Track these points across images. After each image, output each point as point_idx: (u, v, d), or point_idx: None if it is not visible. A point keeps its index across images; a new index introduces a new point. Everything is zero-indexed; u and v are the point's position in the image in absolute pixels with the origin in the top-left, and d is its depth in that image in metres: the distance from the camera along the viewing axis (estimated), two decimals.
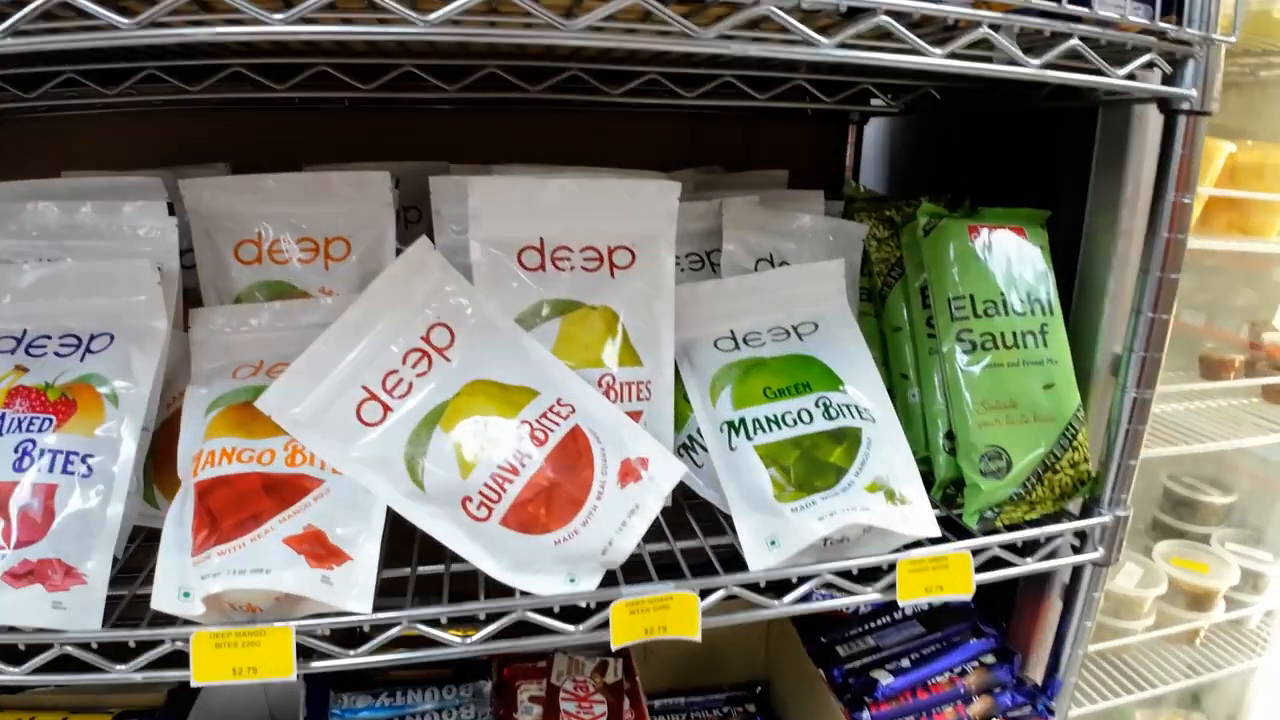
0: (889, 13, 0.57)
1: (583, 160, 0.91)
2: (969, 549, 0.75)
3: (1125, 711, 1.26)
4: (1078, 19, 0.62)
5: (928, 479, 0.81)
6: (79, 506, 0.61)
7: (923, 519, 0.72)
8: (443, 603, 0.66)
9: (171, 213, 0.70)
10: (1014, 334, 0.81)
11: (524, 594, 0.66)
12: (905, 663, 0.97)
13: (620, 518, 0.66)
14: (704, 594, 0.69)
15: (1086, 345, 0.88)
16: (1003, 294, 0.82)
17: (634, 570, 0.69)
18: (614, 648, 0.66)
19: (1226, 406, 1.31)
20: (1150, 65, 0.67)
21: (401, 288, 0.68)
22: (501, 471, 0.64)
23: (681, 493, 0.78)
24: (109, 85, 0.84)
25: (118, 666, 0.61)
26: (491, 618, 0.66)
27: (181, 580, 0.59)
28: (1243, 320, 1.40)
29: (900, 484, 0.72)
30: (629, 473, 0.68)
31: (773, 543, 0.69)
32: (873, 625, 1.05)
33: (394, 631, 0.64)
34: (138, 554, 0.70)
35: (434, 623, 0.65)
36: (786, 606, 0.72)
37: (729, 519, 0.73)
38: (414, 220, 0.92)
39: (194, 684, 0.59)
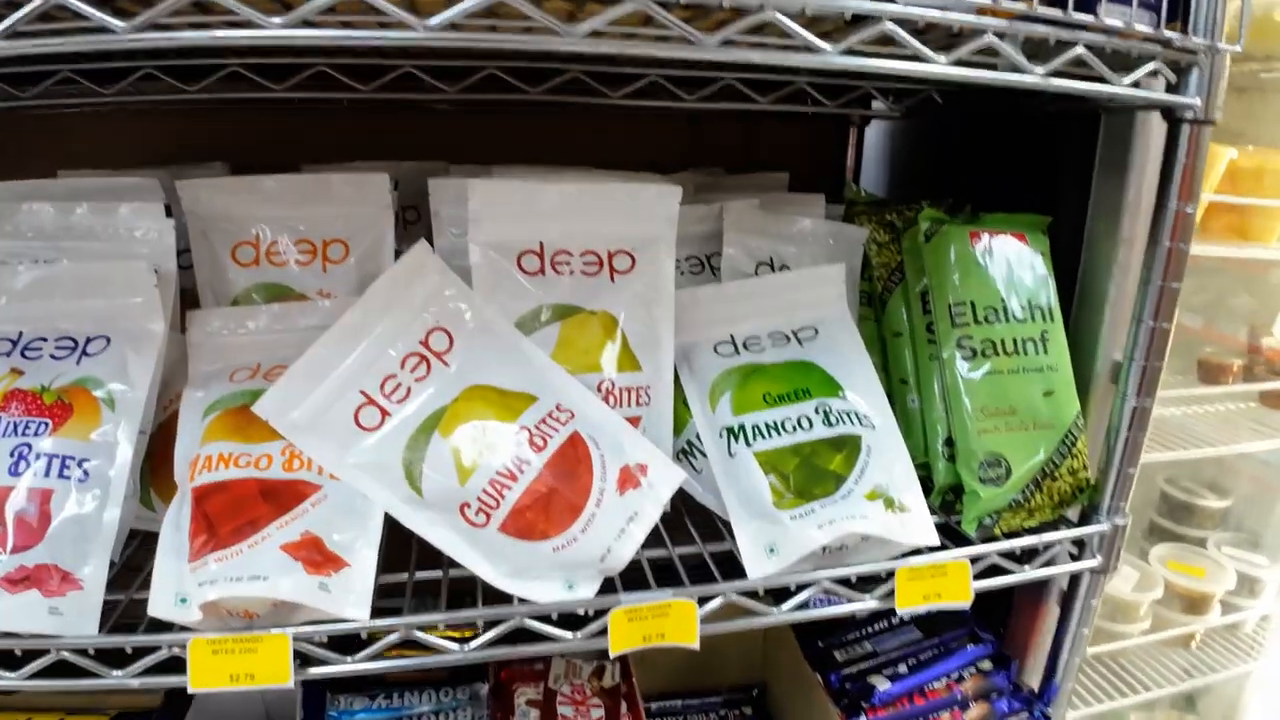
0: (894, 19, 0.56)
1: (582, 161, 0.91)
2: (968, 557, 0.75)
3: (1120, 714, 1.26)
4: (1083, 26, 0.62)
5: (926, 485, 0.80)
6: (75, 511, 0.61)
7: (922, 528, 0.72)
8: (441, 609, 0.66)
9: (168, 214, 0.69)
10: (1014, 340, 0.81)
11: (522, 601, 0.66)
12: (902, 668, 0.97)
13: (619, 524, 0.66)
14: (702, 601, 0.69)
15: (1087, 352, 0.87)
16: (1003, 300, 0.82)
17: (632, 576, 0.69)
18: (612, 655, 0.66)
19: (1224, 411, 1.31)
20: (1155, 73, 0.67)
21: (400, 291, 0.67)
22: (500, 477, 0.63)
23: (680, 498, 0.77)
24: (106, 84, 0.84)
25: (114, 672, 0.61)
26: (490, 624, 0.66)
27: (179, 586, 0.58)
28: (1241, 323, 1.39)
29: (900, 492, 0.72)
30: (628, 479, 0.67)
31: (772, 550, 0.69)
32: (870, 630, 1.05)
33: (392, 638, 0.64)
34: (134, 555, 0.69)
35: (432, 629, 0.65)
36: (785, 614, 0.72)
37: (728, 525, 0.73)
38: (412, 220, 0.91)
39: (190, 691, 0.59)
